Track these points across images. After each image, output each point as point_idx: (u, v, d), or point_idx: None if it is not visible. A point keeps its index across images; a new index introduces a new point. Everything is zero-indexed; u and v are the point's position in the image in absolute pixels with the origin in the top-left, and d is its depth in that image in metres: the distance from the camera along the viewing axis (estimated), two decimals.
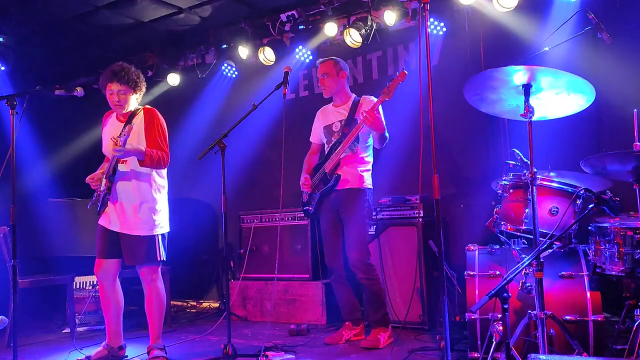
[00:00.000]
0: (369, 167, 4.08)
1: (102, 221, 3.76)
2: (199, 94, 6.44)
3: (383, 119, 3.89)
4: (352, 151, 4.00)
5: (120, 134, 3.48)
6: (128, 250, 3.68)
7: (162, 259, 3.75)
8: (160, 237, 3.75)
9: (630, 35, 4.10)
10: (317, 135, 4.30)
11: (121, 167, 3.67)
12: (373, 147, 4.11)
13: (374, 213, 4.47)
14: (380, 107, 3.85)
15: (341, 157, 3.97)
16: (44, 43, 6.02)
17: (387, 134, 3.90)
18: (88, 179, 3.77)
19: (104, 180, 3.70)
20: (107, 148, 3.77)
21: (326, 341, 4.06)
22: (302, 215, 5.07)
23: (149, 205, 3.69)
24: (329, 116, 4.20)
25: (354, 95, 4.16)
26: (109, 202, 3.70)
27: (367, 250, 4.00)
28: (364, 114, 3.70)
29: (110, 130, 3.81)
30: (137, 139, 3.65)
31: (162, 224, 3.78)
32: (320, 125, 4.26)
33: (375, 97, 4.00)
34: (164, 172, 3.85)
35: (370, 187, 4.05)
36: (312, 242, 5.03)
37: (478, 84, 2.86)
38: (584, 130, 4.33)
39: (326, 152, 4.13)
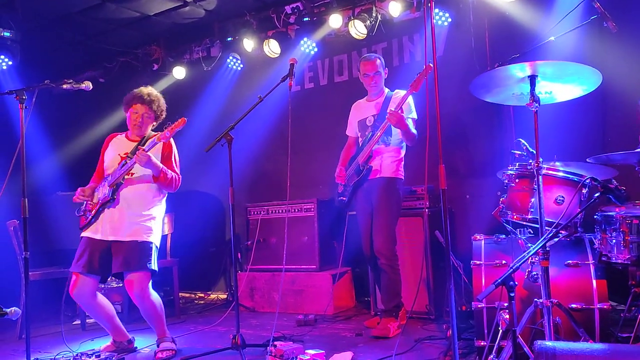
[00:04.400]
0: (401, 157, 4.15)
1: (88, 233, 3.67)
2: (204, 87, 6.46)
3: (414, 111, 4.04)
4: (385, 143, 4.10)
5: (145, 143, 3.57)
6: (120, 257, 3.56)
7: (154, 269, 3.64)
8: (154, 246, 3.70)
9: (636, 24, 4.08)
10: (352, 129, 4.41)
11: (127, 177, 3.68)
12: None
13: None
14: (411, 100, 3.97)
15: (373, 148, 4.08)
16: (50, 37, 6.04)
17: (413, 130, 3.97)
18: (79, 193, 3.71)
19: (105, 189, 3.68)
20: (112, 162, 3.75)
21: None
22: (309, 206, 5.13)
23: (149, 213, 3.69)
24: (363, 110, 4.31)
25: (387, 90, 4.25)
26: (106, 209, 3.66)
27: (394, 238, 4.05)
28: (389, 113, 3.83)
29: (117, 147, 3.82)
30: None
31: (157, 235, 3.75)
32: (354, 119, 4.37)
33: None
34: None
35: (402, 177, 4.14)
36: (319, 233, 5.07)
37: (482, 83, 2.87)
38: (589, 119, 4.33)
39: (360, 145, 4.23)
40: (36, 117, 5.42)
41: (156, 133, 3.79)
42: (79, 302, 3.71)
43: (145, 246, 3.63)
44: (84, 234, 3.70)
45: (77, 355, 3.45)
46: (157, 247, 3.73)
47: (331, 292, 4.87)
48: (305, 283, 5.03)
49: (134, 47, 6.53)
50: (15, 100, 3.41)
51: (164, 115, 3.92)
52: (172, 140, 3.80)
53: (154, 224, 3.73)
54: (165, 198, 3.86)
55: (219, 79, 6.40)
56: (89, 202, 3.74)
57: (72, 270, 3.61)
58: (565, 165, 3.08)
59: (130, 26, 6.05)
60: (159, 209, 3.80)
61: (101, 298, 3.74)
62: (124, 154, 3.70)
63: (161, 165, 3.65)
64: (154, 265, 3.65)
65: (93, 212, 3.68)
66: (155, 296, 3.68)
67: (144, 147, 3.58)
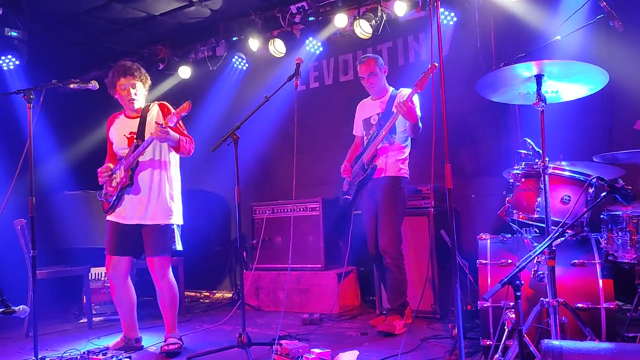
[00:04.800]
0: (405, 156, 4.16)
1: (113, 217, 3.78)
2: (210, 87, 6.48)
3: (419, 109, 4.02)
4: (389, 142, 4.11)
5: (167, 119, 3.55)
6: (146, 240, 3.72)
7: (178, 249, 3.79)
8: (176, 227, 3.80)
9: None
10: (358, 128, 4.43)
11: (140, 158, 3.73)
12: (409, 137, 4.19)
13: None
14: (416, 99, 3.96)
15: (378, 147, 4.09)
16: (57, 37, 6.07)
17: (420, 124, 3.99)
18: (100, 173, 3.80)
19: (121, 173, 3.74)
20: (120, 144, 3.82)
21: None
22: (314, 205, 5.14)
23: (166, 195, 3.76)
24: (368, 109, 4.33)
25: (391, 89, 4.26)
26: (125, 195, 3.74)
27: (399, 237, 4.05)
28: (399, 104, 3.84)
29: (121, 128, 3.87)
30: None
31: (178, 214, 3.84)
32: (360, 118, 4.39)
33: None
34: (178, 163, 3.91)
35: (406, 176, 4.14)
36: (325, 233, 5.07)
37: (488, 82, 2.87)
38: (595, 118, 4.32)
39: (365, 144, 4.25)
40: (43, 116, 5.45)
41: (151, 103, 3.86)
42: (113, 283, 3.77)
43: (168, 229, 3.74)
44: (108, 217, 3.81)
45: (84, 353, 3.47)
46: (179, 226, 3.83)
47: (336, 291, 4.87)
48: (311, 282, 5.03)
49: (139, 46, 6.55)
50: (23, 99, 3.44)
51: (149, 82, 3.94)
52: (169, 106, 3.84)
53: (174, 205, 3.80)
54: (179, 177, 3.91)
55: (224, 78, 6.41)
56: (109, 185, 3.80)
57: (105, 253, 3.76)
58: (572, 164, 3.08)
59: (136, 26, 6.07)
60: (175, 190, 3.85)
61: (130, 285, 3.85)
62: (130, 134, 3.76)
63: (178, 136, 3.68)
64: (179, 245, 3.79)
65: (114, 196, 3.75)
66: (174, 280, 3.80)
67: (165, 122, 3.55)
